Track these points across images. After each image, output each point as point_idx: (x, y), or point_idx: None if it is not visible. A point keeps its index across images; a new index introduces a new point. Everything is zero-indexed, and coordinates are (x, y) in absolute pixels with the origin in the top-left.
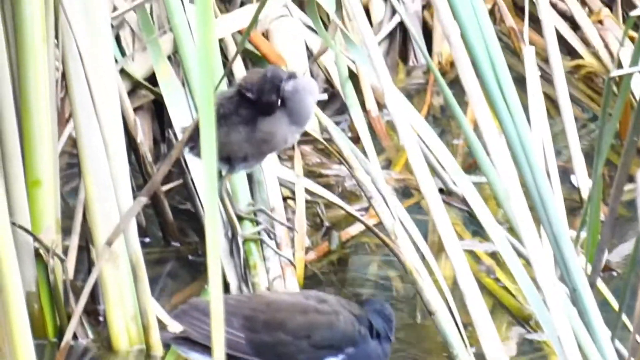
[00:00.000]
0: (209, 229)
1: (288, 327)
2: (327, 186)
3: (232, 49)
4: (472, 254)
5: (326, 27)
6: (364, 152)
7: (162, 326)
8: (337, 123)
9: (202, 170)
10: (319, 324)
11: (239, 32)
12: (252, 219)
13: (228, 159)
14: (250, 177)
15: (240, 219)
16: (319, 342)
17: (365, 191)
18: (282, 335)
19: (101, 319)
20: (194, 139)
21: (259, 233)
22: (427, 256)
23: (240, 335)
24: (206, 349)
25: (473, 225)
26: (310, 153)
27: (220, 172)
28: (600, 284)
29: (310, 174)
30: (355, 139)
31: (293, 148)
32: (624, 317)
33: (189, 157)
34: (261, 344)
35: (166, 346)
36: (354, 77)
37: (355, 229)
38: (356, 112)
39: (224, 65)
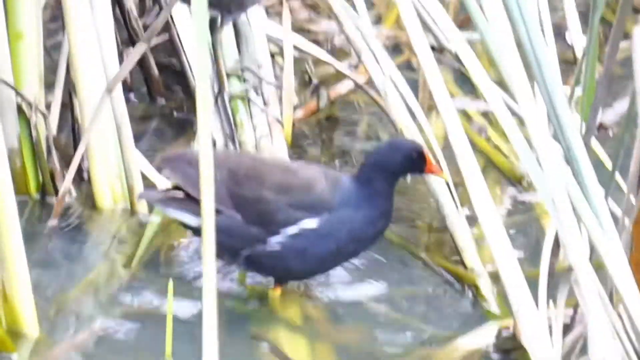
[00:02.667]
0: (199, 82)
1: (268, 183)
2: (316, 42)
3: None
4: (463, 113)
5: None
6: (354, 7)
7: (147, 184)
8: None
9: (193, 20)
10: (298, 184)
11: None
12: (239, 76)
13: (216, 7)
14: (237, 33)
15: (227, 75)
16: (296, 202)
17: (354, 47)
18: (262, 191)
19: (85, 176)
20: None
21: (246, 90)
22: (418, 114)
23: (221, 188)
24: (191, 207)
25: (465, 84)
26: (299, 8)
27: (212, 25)
28: (594, 144)
29: (298, 30)
30: None
31: (281, 3)
32: (618, 177)
33: (176, 9)
34: (241, 197)
35: (150, 205)
36: None
37: (344, 86)
38: None
39: None
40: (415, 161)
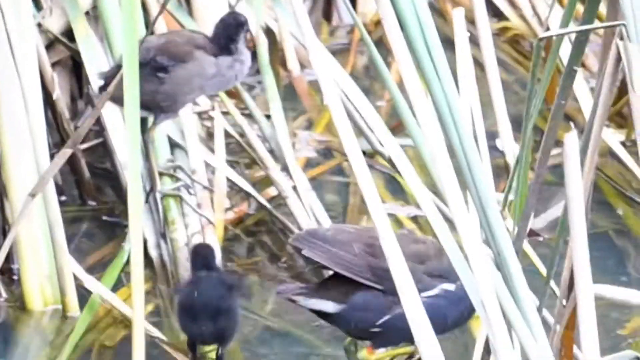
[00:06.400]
0: (131, 181)
1: (405, 255)
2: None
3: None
4: (393, 217)
5: None
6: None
7: (78, 285)
8: (252, 87)
9: (126, 119)
10: (432, 254)
11: None
12: (171, 175)
13: (148, 109)
14: (169, 137)
15: (160, 174)
16: (432, 270)
17: (281, 191)
18: None
19: (15, 277)
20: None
21: (178, 189)
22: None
23: (361, 261)
24: (331, 295)
25: (394, 189)
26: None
27: (144, 124)
28: (528, 249)
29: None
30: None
31: (213, 108)
32: (552, 284)
33: (109, 113)
34: (381, 269)
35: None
36: (273, 36)
37: (274, 190)
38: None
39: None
40: None
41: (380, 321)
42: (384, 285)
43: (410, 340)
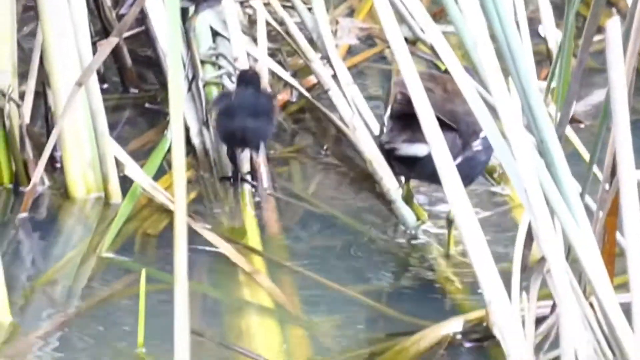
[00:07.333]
0: (172, 68)
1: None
2: (288, 34)
3: None
4: None
5: None
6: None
7: (120, 172)
8: None
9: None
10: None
11: None
12: (213, 63)
13: None
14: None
15: (202, 62)
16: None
17: (323, 83)
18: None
19: (58, 165)
20: None
21: (220, 77)
22: None
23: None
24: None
25: None
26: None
27: (185, 13)
28: (570, 134)
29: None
30: None
31: None
32: (595, 170)
33: (151, 0)
34: (455, 112)
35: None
36: None
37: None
38: None
39: None
40: None
41: (456, 162)
42: (459, 127)
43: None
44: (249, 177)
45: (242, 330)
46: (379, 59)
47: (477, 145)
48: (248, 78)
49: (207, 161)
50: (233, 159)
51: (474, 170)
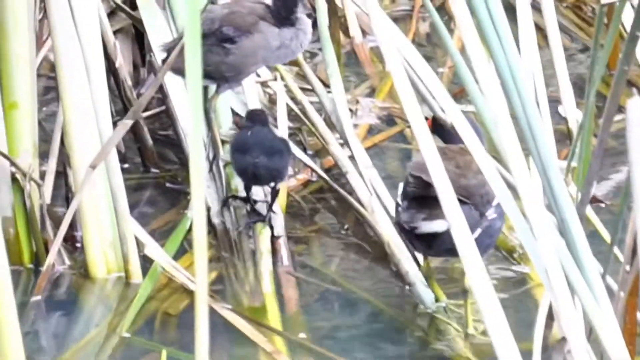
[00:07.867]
0: (193, 148)
1: (476, 167)
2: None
3: None
4: None
5: None
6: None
7: (140, 252)
8: (314, 55)
9: (188, 88)
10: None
11: None
12: None
13: (212, 78)
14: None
15: (222, 142)
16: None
17: (341, 166)
18: (480, 175)
19: (78, 245)
20: (176, 60)
21: None
22: None
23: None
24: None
25: None
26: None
27: (205, 93)
28: (590, 214)
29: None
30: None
31: (275, 79)
32: (616, 250)
33: (171, 81)
34: (469, 187)
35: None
36: (333, 3)
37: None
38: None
39: None
40: None
41: (475, 234)
42: (474, 200)
43: (484, 252)
44: (261, 209)
45: None
46: (399, 138)
47: (491, 214)
48: (257, 116)
49: (227, 240)
50: (247, 191)
51: (492, 238)
